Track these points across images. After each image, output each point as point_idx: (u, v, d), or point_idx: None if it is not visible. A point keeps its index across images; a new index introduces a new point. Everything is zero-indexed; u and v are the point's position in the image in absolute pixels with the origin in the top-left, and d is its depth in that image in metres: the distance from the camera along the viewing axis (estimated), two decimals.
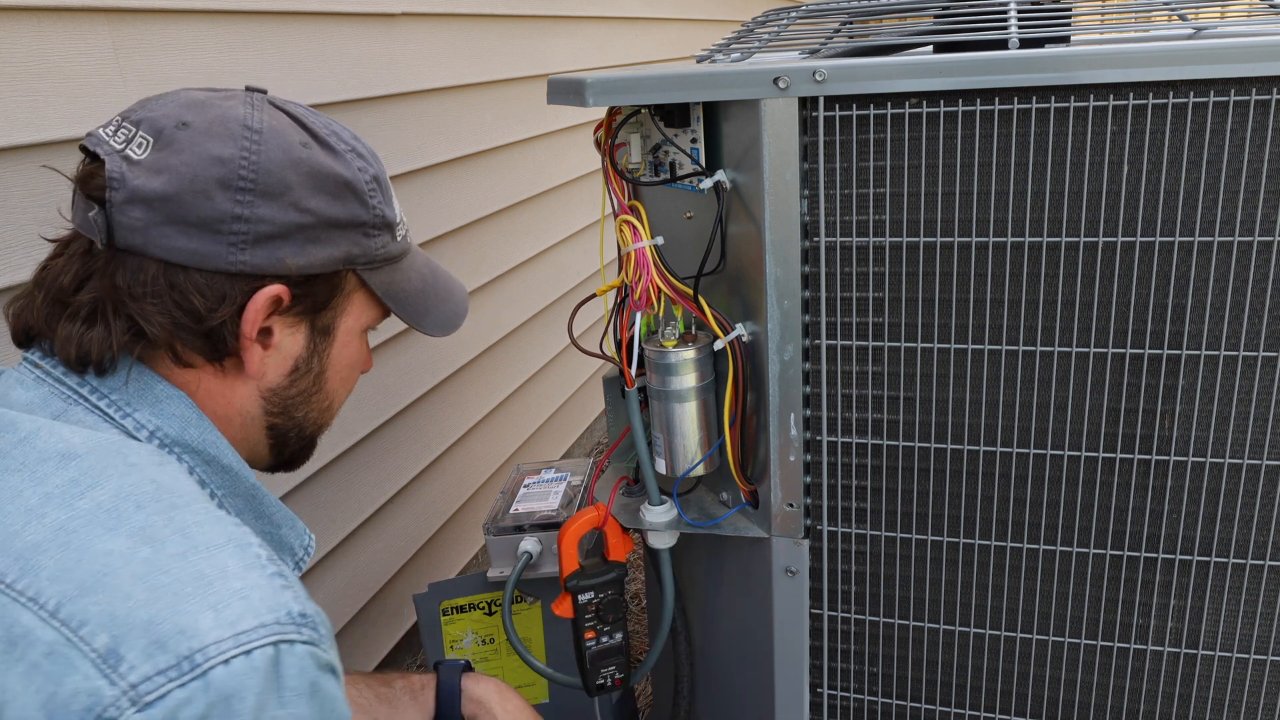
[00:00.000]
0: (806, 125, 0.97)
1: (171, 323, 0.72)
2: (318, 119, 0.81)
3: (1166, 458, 0.98)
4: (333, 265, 0.79)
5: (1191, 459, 0.97)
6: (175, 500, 0.64)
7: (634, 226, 1.06)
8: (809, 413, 1.07)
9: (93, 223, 0.71)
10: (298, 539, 0.84)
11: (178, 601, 0.58)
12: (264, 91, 0.81)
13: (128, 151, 0.72)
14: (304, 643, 0.60)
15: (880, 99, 0.94)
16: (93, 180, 0.72)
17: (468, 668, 1.15)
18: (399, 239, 0.86)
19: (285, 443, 0.86)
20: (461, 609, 1.47)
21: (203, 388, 0.77)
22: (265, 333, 0.78)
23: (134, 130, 0.73)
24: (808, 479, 1.10)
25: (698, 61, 1.16)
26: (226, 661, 0.56)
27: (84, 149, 0.75)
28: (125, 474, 0.65)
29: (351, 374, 0.89)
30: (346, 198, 0.79)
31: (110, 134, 0.74)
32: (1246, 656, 1.02)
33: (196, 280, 0.72)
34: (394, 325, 1.79)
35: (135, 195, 0.71)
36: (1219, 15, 1.10)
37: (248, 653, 0.57)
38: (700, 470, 1.13)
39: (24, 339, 0.75)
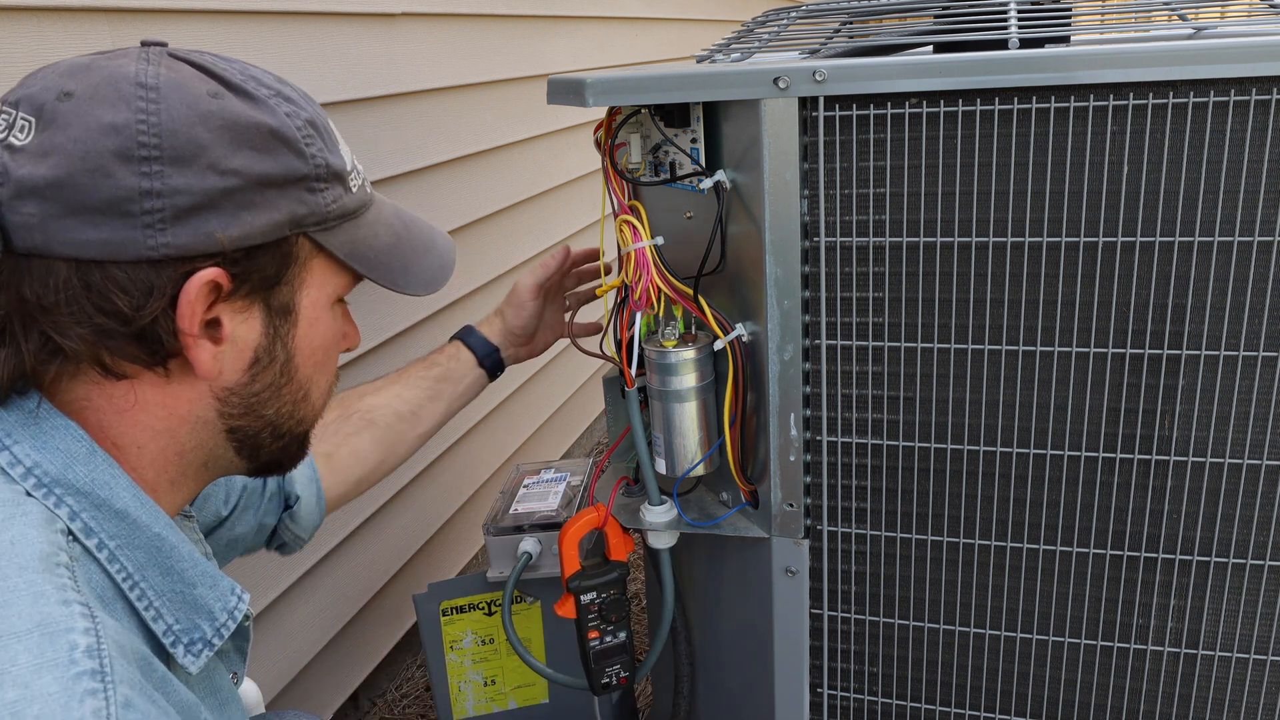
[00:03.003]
0: (806, 125, 0.97)
1: (93, 331, 0.62)
2: (230, 65, 0.68)
3: (1166, 458, 0.98)
4: (276, 232, 0.67)
5: (1191, 459, 0.97)
6: None
7: (634, 226, 1.06)
8: (809, 413, 1.07)
9: None
10: (219, 600, 0.70)
11: None
12: (164, 44, 0.68)
13: (10, 139, 0.61)
14: None
15: (880, 99, 0.94)
16: None
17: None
18: (354, 189, 0.74)
19: (258, 445, 0.74)
20: (461, 609, 1.47)
21: (140, 400, 0.66)
22: (213, 325, 0.66)
23: (13, 113, 0.62)
24: (808, 479, 1.10)
25: (698, 61, 1.16)
26: None
27: None
28: None
29: (328, 356, 0.76)
30: (277, 149, 0.67)
31: None
32: (1246, 656, 1.02)
33: (115, 275, 0.61)
34: (393, 325, 1.79)
35: (23, 187, 0.60)
36: (1219, 15, 1.10)
37: None
38: (700, 470, 1.13)
39: None
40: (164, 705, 0.58)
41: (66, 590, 0.56)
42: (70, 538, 0.62)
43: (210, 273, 0.64)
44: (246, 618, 0.74)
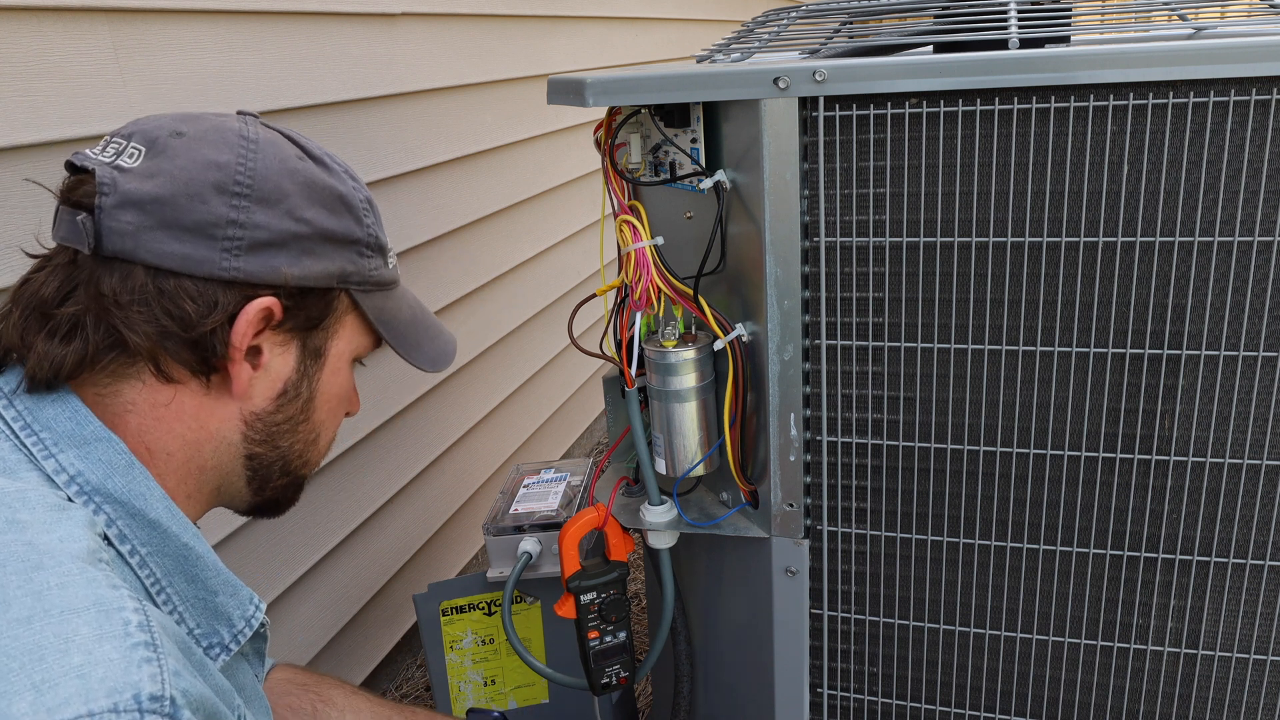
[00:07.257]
0: (806, 125, 0.97)
1: (158, 331, 0.69)
2: (310, 141, 0.80)
3: (1166, 458, 0.98)
4: (327, 280, 0.77)
5: (1191, 459, 0.97)
6: (43, 560, 0.58)
7: (634, 226, 1.06)
8: (809, 413, 1.07)
9: (80, 228, 0.68)
10: (238, 608, 0.75)
11: None
12: (256, 115, 0.81)
13: (119, 162, 0.71)
14: None
15: (880, 99, 0.94)
16: (80, 189, 0.70)
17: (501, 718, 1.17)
18: (390, 266, 0.85)
19: (267, 477, 0.81)
20: (461, 609, 1.47)
21: (179, 407, 0.73)
22: (254, 351, 0.75)
23: (124, 143, 0.72)
24: (808, 479, 1.10)
25: (698, 61, 1.16)
26: None
27: (70, 165, 0.73)
28: (1, 532, 0.59)
29: (339, 407, 0.85)
30: (342, 212, 0.78)
31: (98, 152, 0.72)
32: (1246, 656, 1.02)
33: (188, 286, 0.70)
34: None
35: (127, 199, 0.69)
36: (1219, 15, 1.10)
37: None
38: (700, 470, 1.13)
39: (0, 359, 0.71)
40: (202, 682, 0.62)
41: (113, 578, 0.61)
42: (106, 542, 0.66)
43: (268, 300, 0.73)
44: (263, 625, 0.79)
